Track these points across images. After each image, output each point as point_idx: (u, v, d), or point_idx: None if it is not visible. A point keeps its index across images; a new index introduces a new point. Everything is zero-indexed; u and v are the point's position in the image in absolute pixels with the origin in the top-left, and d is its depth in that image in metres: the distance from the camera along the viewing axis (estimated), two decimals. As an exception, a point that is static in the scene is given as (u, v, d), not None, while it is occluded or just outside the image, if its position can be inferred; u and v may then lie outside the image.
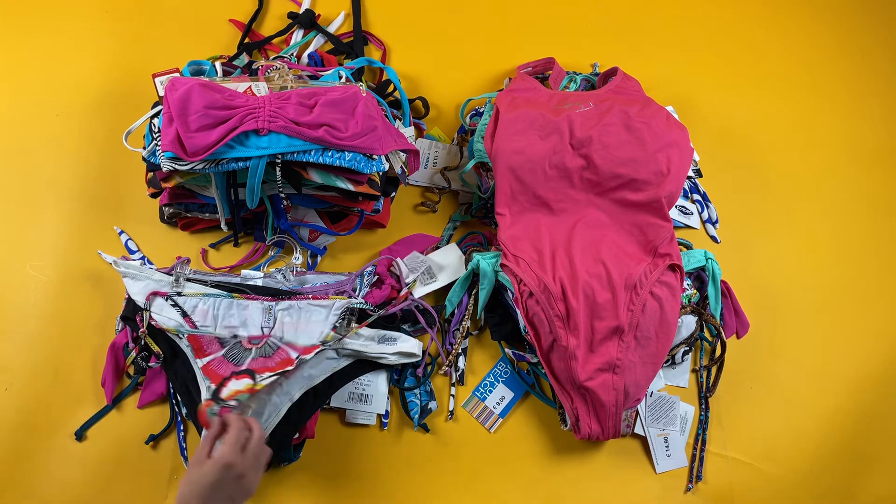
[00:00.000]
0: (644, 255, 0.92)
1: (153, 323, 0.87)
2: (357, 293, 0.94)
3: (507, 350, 0.98)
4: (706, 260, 0.96)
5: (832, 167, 1.16)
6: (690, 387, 1.00)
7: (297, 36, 1.15)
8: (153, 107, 0.92)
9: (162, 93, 1.00)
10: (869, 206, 1.13)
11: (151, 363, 0.89)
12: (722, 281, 0.97)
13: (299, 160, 0.84)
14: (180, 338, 0.87)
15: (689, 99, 1.18)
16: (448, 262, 0.99)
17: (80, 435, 0.90)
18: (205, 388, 0.84)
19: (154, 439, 0.90)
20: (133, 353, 0.91)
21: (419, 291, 0.96)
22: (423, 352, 0.95)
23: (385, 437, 0.94)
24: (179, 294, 0.88)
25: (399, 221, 1.05)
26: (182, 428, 0.91)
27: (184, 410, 0.90)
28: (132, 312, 0.90)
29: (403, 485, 0.92)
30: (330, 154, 0.85)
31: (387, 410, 0.94)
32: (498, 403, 0.96)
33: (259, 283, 0.94)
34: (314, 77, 1.01)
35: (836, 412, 1.01)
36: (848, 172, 1.16)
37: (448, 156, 1.10)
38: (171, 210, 0.97)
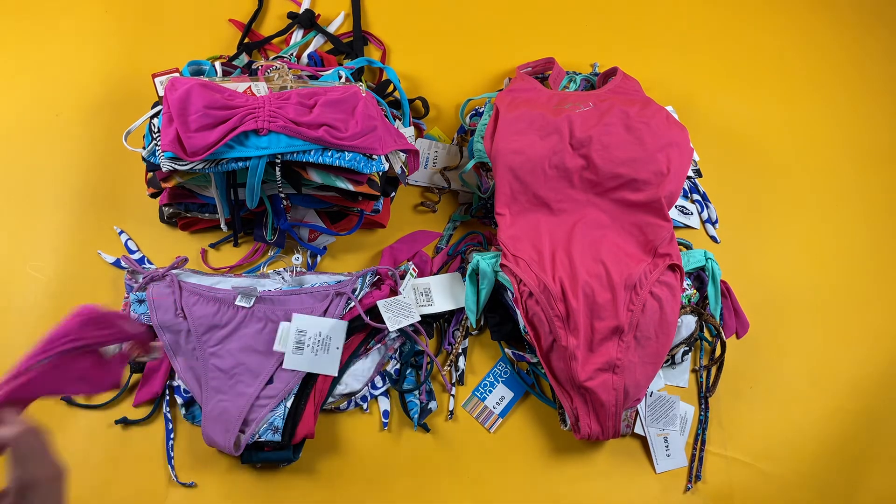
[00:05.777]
0: (644, 255, 0.91)
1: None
2: (357, 293, 0.93)
3: (507, 350, 0.98)
4: (706, 260, 0.96)
5: (832, 167, 1.16)
6: (690, 387, 1.00)
7: (297, 36, 1.15)
8: (153, 107, 0.92)
9: (162, 93, 1.00)
10: (869, 206, 1.13)
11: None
12: (722, 281, 0.97)
13: (299, 160, 0.84)
14: None
15: (689, 99, 1.18)
16: (448, 289, 0.98)
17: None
18: None
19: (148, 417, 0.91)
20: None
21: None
22: (423, 351, 0.95)
23: (385, 437, 0.94)
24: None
25: (399, 221, 1.05)
26: (172, 436, 0.90)
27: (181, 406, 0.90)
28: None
29: (403, 485, 0.92)
30: (330, 154, 0.85)
31: (387, 410, 0.94)
32: (498, 403, 0.96)
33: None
34: (314, 77, 1.01)
35: (836, 412, 1.01)
36: (848, 172, 1.15)
37: (448, 156, 1.10)
38: (170, 210, 0.97)
